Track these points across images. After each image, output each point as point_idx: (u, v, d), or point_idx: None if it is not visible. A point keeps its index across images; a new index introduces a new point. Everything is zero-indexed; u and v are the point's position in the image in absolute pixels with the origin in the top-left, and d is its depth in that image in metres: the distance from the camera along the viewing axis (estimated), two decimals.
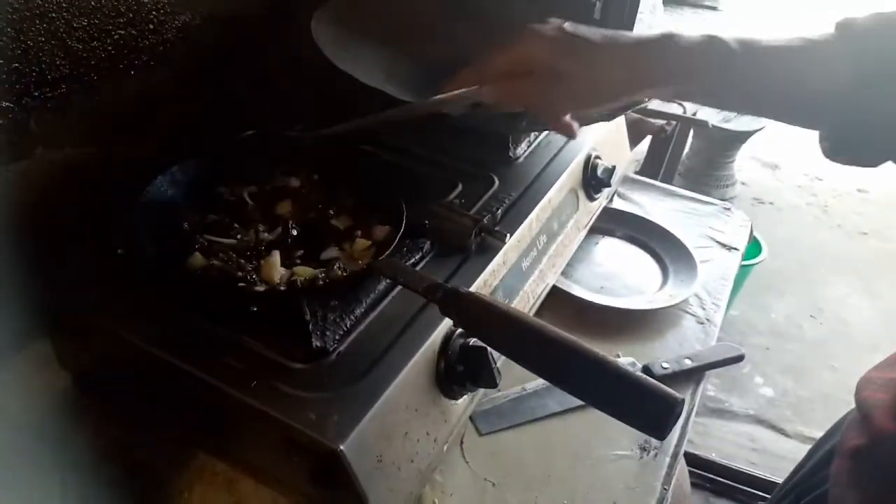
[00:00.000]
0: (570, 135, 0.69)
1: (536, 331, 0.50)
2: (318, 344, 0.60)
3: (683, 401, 0.46)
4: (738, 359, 0.93)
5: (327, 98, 0.96)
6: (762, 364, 2.30)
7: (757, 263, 2.14)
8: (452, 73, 0.69)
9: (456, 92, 0.67)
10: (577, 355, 0.48)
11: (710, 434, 2.04)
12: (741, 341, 2.23)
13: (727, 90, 0.62)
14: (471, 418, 0.81)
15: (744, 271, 2.14)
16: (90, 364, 0.69)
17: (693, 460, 1.85)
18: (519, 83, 0.63)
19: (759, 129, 2.76)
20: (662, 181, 1.38)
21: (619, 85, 0.62)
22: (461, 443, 0.79)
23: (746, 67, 0.60)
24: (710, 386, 2.20)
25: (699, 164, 3.00)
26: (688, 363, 0.90)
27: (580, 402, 0.83)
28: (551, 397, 0.84)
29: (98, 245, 0.69)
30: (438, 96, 0.68)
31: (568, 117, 0.68)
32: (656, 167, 2.06)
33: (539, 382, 0.86)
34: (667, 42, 0.61)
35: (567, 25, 0.62)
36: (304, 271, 0.66)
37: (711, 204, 1.28)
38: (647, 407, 0.46)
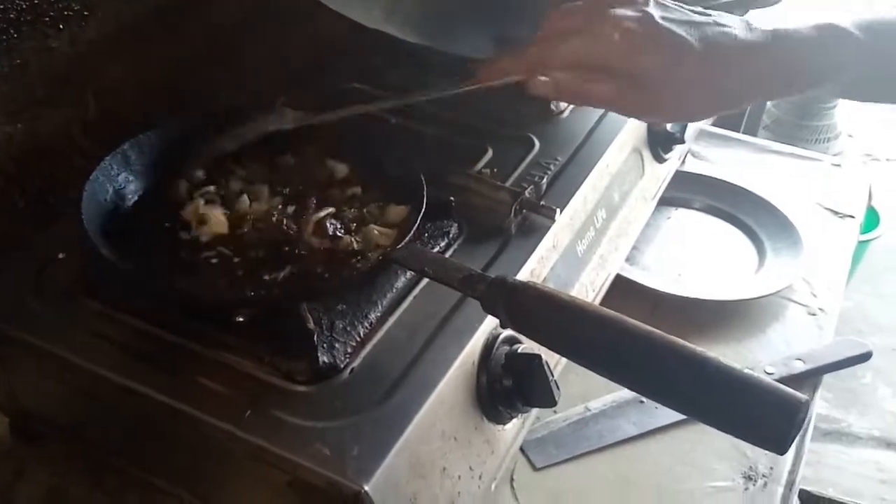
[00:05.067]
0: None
1: (620, 327, 0.50)
2: (326, 359, 0.60)
3: (808, 402, 0.46)
4: (864, 357, 0.93)
5: (311, 53, 0.97)
6: (888, 371, 2.29)
7: (875, 238, 2.13)
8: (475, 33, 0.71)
9: (497, 82, 0.67)
10: (675, 354, 0.48)
11: (824, 463, 2.03)
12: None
13: (862, 82, 0.65)
14: (522, 449, 0.82)
15: (859, 249, 2.13)
16: (30, 401, 0.71)
17: (805, 499, 1.85)
18: (586, 82, 0.63)
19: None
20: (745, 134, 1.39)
21: (719, 98, 0.64)
22: (511, 480, 0.80)
23: (878, 52, 0.63)
24: (822, 401, 2.19)
25: (790, 113, 2.98)
26: (799, 365, 0.90)
27: (661, 423, 0.84)
28: (624, 417, 0.85)
29: (33, 249, 0.71)
30: (472, 86, 0.68)
31: None
32: (736, 118, 2.06)
33: (606, 400, 0.87)
34: (778, 42, 0.62)
35: (653, 9, 0.62)
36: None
37: (815, 160, 1.28)
38: (763, 413, 0.46)
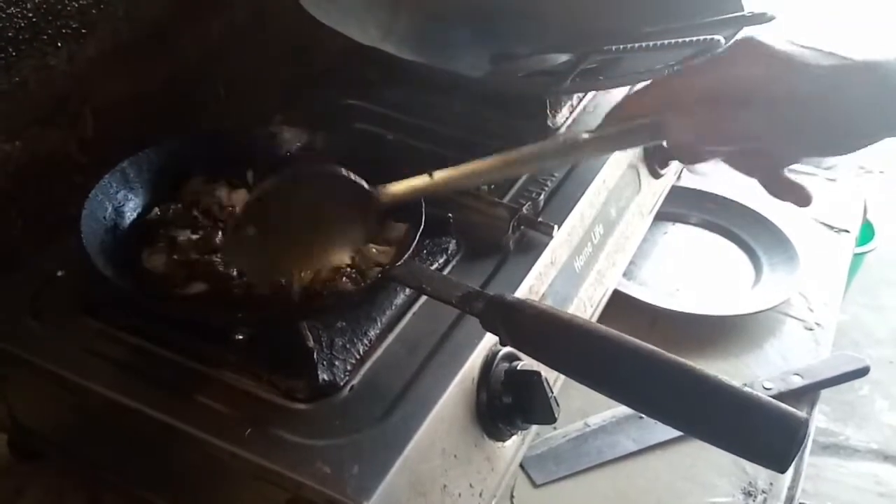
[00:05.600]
0: (803, 199, 0.62)
1: (618, 345, 0.51)
2: (326, 377, 0.60)
3: (808, 421, 0.46)
4: (862, 372, 0.93)
5: (307, 70, 0.97)
6: (885, 383, 2.29)
7: (870, 251, 2.14)
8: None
9: (625, 126, 0.61)
10: (674, 373, 0.48)
11: (823, 477, 2.03)
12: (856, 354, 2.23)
13: None
14: (522, 466, 0.82)
15: (855, 261, 2.14)
16: (29, 419, 0.70)
17: None
18: (734, 114, 0.57)
19: None
20: None
21: (891, 115, 0.57)
22: (511, 497, 0.80)
23: None
24: (820, 415, 2.18)
25: None
26: (797, 380, 0.90)
27: (661, 439, 0.84)
28: (623, 433, 0.85)
29: (31, 266, 0.71)
30: (595, 133, 0.62)
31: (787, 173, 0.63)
32: None
33: (605, 416, 0.87)
34: None
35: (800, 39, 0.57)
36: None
37: (809, 174, 1.29)
38: (764, 432, 0.46)
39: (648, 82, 0.62)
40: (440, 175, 0.63)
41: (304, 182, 0.62)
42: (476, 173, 0.64)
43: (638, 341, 0.51)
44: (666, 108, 0.59)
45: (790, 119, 0.56)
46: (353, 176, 0.62)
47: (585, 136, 0.62)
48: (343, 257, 0.65)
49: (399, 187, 0.63)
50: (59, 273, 0.70)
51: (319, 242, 0.64)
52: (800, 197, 0.62)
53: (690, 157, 0.63)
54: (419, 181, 0.63)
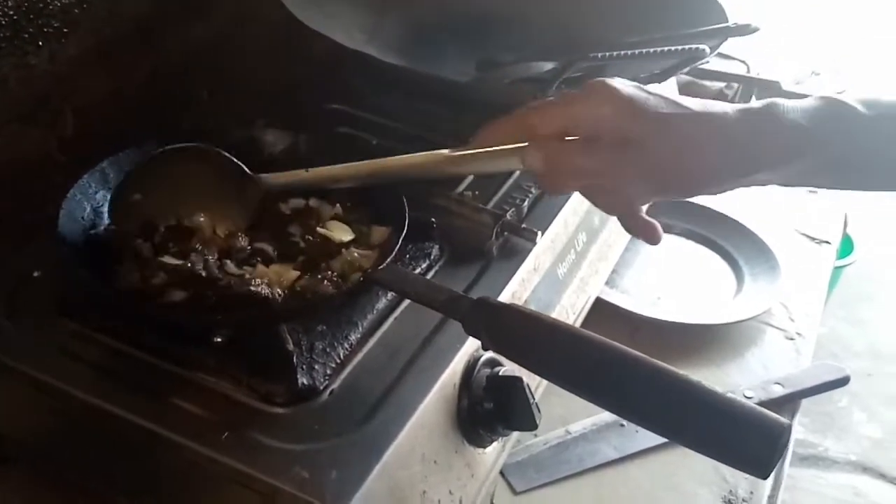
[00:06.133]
0: (652, 238, 0.64)
1: (602, 350, 0.50)
2: (305, 381, 0.60)
3: (790, 426, 0.46)
4: (843, 382, 0.94)
5: (291, 72, 0.97)
6: (863, 395, 2.31)
7: (849, 265, 2.16)
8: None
9: (492, 149, 0.63)
10: (657, 377, 0.48)
11: (800, 488, 2.04)
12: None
13: (861, 163, 0.62)
14: (502, 473, 0.81)
15: (834, 274, 2.16)
16: (2, 422, 0.69)
17: None
18: (579, 150, 0.60)
19: (842, 92, 2.79)
20: None
21: (722, 169, 0.60)
22: None
23: (883, 132, 0.60)
24: (799, 426, 2.20)
25: None
26: (777, 390, 0.91)
27: (642, 447, 0.84)
28: (604, 441, 0.85)
29: (7, 266, 0.70)
30: (465, 151, 0.65)
31: (644, 211, 0.65)
32: None
33: (586, 423, 0.86)
34: (775, 112, 0.59)
35: (649, 86, 0.60)
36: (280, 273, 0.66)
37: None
38: (746, 437, 0.46)
39: (511, 113, 0.64)
40: (314, 171, 0.70)
41: (188, 156, 0.70)
42: (344, 176, 0.69)
43: (622, 346, 0.51)
44: (521, 139, 0.62)
45: (630, 159, 0.58)
46: (233, 158, 0.70)
47: (447, 153, 0.65)
48: (220, 230, 0.70)
49: (278, 177, 0.70)
50: (36, 273, 0.69)
51: (198, 212, 0.70)
52: (651, 236, 0.64)
53: (548, 187, 0.65)
54: (295, 174, 0.70)
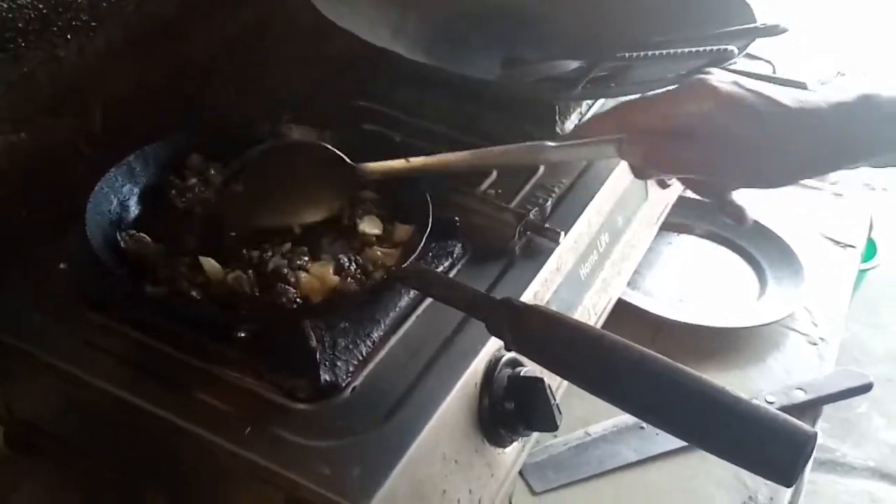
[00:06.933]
0: (743, 220, 0.69)
1: (626, 352, 0.50)
2: (328, 378, 0.60)
3: (816, 435, 0.46)
4: (865, 388, 0.93)
5: (317, 69, 0.97)
6: (883, 401, 2.28)
7: (872, 268, 2.14)
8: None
9: (588, 139, 0.66)
10: (681, 382, 0.48)
11: (819, 493, 2.02)
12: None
13: None
14: (521, 473, 0.81)
15: (857, 278, 2.14)
16: (27, 412, 0.70)
17: None
18: (676, 146, 0.62)
19: None
20: None
21: (815, 159, 0.62)
22: None
23: None
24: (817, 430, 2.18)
25: None
26: (800, 395, 0.90)
27: (661, 450, 0.84)
28: (624, 443, 0.84)
29: (35, 259, 0.70)
30: (564, 142, 0.67)
31: (735, 196, 0.69)
32: None
33: (606, 425, 0.86)
34: (869, 105, 0.61)
35: (744, 79, 0.62)
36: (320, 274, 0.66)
37: (816, 189, 1.28)
38: (771, 445, 0.45)
39: (612, 106, 0.67)
40: (416, 161, 0.70)
41: (290, 150, 0.73)
42: (448, 163, 0.70)
43: (645, 349, 0.51)
44: (620, 133, 0.64)
45: (727, 155, 0.61)
46: (335, 149, 0.70)
47: (551, 144, 0.67)
48: (317, 216, 0.71)
49: (376, 166, 0.70)
50: (62, 265, 0.70)
51: (297, 201, 0.71)
52: (741, 218, 0.69)
53: (641, 175, 0.72)
54: (394, 163, 0.70)
